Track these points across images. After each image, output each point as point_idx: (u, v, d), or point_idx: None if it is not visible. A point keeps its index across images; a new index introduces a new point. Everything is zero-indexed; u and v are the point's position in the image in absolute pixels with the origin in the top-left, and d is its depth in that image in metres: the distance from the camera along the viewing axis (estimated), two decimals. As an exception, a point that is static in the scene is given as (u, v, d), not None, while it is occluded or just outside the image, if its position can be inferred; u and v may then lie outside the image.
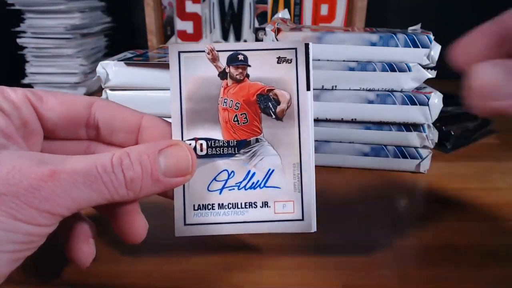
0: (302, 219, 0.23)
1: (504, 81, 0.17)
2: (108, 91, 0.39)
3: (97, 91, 0.71)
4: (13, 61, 0.68)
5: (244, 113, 0.23)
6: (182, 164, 0.21)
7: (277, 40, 0.36)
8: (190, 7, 0.74)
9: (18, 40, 0.66)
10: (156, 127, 0.24)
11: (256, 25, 0.74)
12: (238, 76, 0.23)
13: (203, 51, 0.23)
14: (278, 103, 0.23)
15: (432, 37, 0.36)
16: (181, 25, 0.75)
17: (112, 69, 0.38)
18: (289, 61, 0.23)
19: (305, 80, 0.23)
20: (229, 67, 0.23)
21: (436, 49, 0.36)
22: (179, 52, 0.23)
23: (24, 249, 0.18)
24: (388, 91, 0.37)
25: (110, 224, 0.22)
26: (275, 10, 0.73)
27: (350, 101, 0.37)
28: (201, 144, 0.23)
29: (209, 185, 0.23)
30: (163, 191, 0.21)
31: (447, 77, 0.46)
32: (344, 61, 0.36)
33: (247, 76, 0.23)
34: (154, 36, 0.73)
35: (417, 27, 0.41)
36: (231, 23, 0.74)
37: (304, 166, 0.23)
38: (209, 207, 0.23)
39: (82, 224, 0.23)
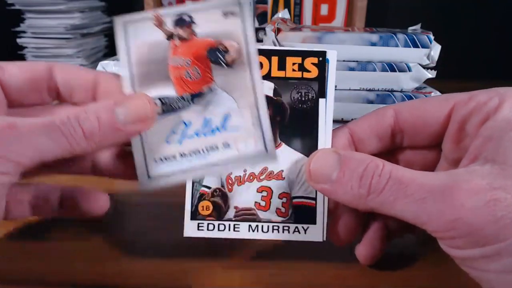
0: (266, 151, 0.23)
1: (327, 168, 0.20)
2: (108, 91, 0.39)
3: (97, 91, 0.71)
4: (13, 61, 0.68)
5: (196, 68, 0.23)
6: (141, 110, 0.21)
7: (277, 40, 0.36)
8: (190, 7, 0.74)
9: (18, 40, 0.66)
10: (112, 85, 0.24)
11: (256, 25, 0.74)
12: (185, 35, 0.23)
13: (149, 18, 0.23)
14: (227, 52, 0.23)
15: (432, 37, 0.36)
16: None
17: (112, 69, 0.38)
18: (235, 14, 0.23)
19: (252, 30, 0.23)
20: (177, 29, 0.23)
21: (436, 49, 0.36)
22: (125, 22, 0.23)
23: None
24: (388, 91, 0.37)
25: (70, 208, 0.25)
26: (275, 10, 0.73)
27: (350, 101, 0.37)
28: (155, 103, 0.23)
29: (168, 137, 0.23)
30: (125, 140, 0.22)
31: (447, 77, 0.45)
32: (344, 61, 0.36)
33: (194, 34, 0.23)
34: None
35: (417, 27, 0.41)
36: (231, 23, 0.74)
37: (261, 105, 0.23)
38: (171, 158, 0.23)
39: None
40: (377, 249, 0.24)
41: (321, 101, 0.23)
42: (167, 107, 0.23)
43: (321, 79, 0.23)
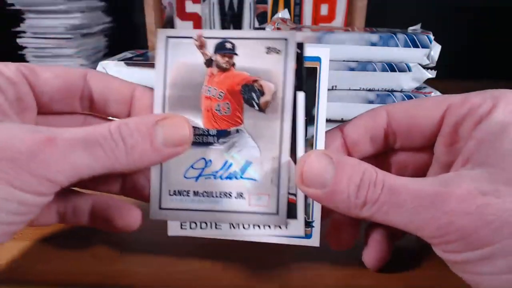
0: (277, 213, 0.23)
1: (321, 173, 0.19)
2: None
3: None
4: (13, 61, 0.68)
5: (227, 103, 0.23)
6: (181, 133, 0.21)
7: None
8: (190, 7, 0.74)
9: (18, 40, 0.66)
10: (148, 99, 0.23)
11: (256, 25, 0.74)
12: (224, 65, 0.22)
13: (191, 37, 0.22)
14: (263, 94, 0.22)
15: (432, 37, 0.36)
16: (181, 25, 0.75)
17: (112, 69, 0.38)
18: (278, 52, 0.22)
19: (293, 73, 0.22)
20: (216, 55, 0.22)
21: (436, 49, 0.36)
22: (167, 37, 0.22)
23: (15, 222, 0.17)
24: (388, 91, 0.37)
25: (101, 222, 0.23)
26: (275, 10, 0.73)
27: (350, 101, 0.37)
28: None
29: (186, 172, 0.23)
30: (163, 161, 0.22)
31: (447, 77, 0.45)
32: (344, 61, 0.36)
33: (233, 65, 0.22)
34: (154, 36, 0.73)
35: (417, 27, 0.41)
36: (231, 23, 0.74)
37: (283, 161, 0.22)
38: (185, 193, 0.23)
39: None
40: (383, 252, 0.24)
41: (299, 94, 0.22)
42: (193, 139, 0.22)
43: (298, 71, 0.22)
